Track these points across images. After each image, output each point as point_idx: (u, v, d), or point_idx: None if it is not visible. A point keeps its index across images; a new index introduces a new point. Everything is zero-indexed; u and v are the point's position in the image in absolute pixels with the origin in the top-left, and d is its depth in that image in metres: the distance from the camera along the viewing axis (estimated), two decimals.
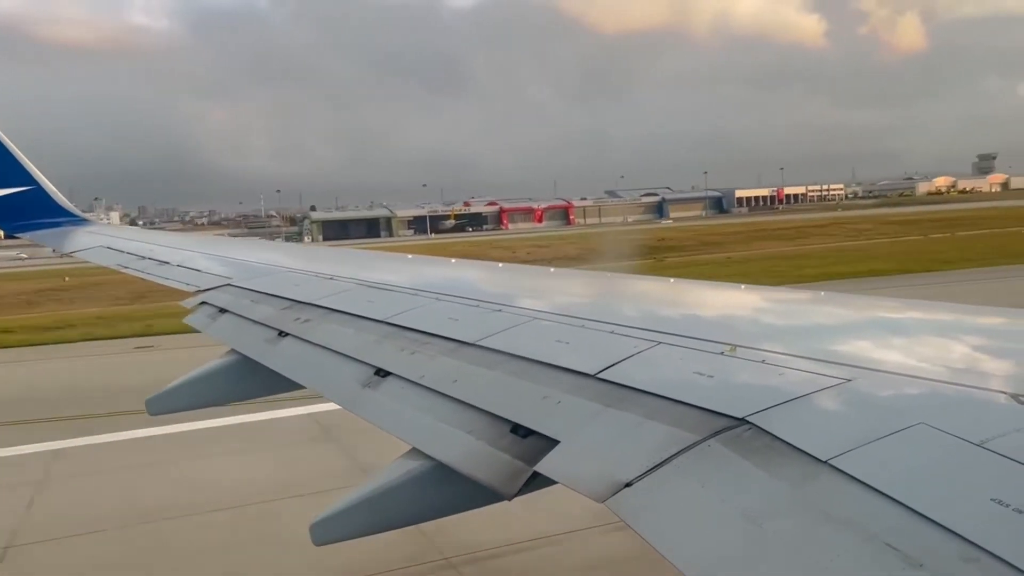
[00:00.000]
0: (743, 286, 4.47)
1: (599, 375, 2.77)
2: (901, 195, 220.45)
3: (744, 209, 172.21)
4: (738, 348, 2.74)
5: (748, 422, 2.17)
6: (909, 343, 2.83)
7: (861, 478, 1.79)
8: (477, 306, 4.16)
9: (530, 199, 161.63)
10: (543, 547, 9.24)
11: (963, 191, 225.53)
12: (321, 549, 3.13)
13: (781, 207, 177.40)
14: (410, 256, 7.52)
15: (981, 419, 1.95)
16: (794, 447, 2.00)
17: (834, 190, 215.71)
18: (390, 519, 3.00)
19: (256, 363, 4.63)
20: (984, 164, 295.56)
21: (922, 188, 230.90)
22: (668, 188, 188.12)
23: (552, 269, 6.43)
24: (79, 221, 11.96)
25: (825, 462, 1.89)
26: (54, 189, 11.98)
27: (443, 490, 2.89)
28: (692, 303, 4.18)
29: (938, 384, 2.22)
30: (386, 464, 3.07)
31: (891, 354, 2.59)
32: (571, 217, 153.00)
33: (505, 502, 2.63)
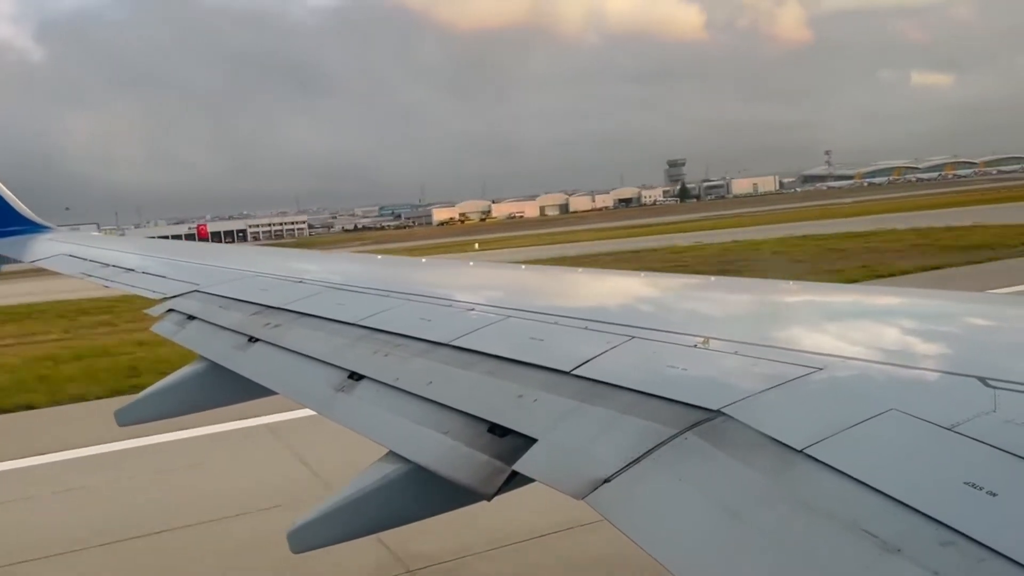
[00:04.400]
0: (714, 278, 4.51)
1: (574, 372, 2.78)
2: (413, 224, 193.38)
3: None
4: (711, 340, 2.76)
5: (723, 414, 2.19)
6: (879, 330, 2.88)
7: (836, 466, 1.81)
8: (450, 306, 4.14)
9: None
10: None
11: (484, 219, 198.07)
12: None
13: None
14: (379, 257, 7.47)
15: (951, 403, 1.98)
16: (769, 437, 2.02)
17: (298, 222, 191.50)
18: (369, 524, 2.98)
19: (227, 370, 4.57)
20: (674, 172, 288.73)
21: (437, 215, 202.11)
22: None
23: (523, 266, 6.43)
24: (40, 228, 11.71)
25: (800, 451, 1.91)
26: (12, 197, 11.71)
27: (422, 492, 2.88)
28: (665, 296, 4.20)
29: (908, 370, 2.25)
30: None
31: (861, 341, 2.63)
32: None
33: (484, 502, 2.62)
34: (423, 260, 7.20)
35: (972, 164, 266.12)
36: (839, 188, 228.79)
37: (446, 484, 2.70)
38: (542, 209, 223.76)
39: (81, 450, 13.91)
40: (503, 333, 3.45)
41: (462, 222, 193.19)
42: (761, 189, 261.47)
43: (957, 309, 3.17)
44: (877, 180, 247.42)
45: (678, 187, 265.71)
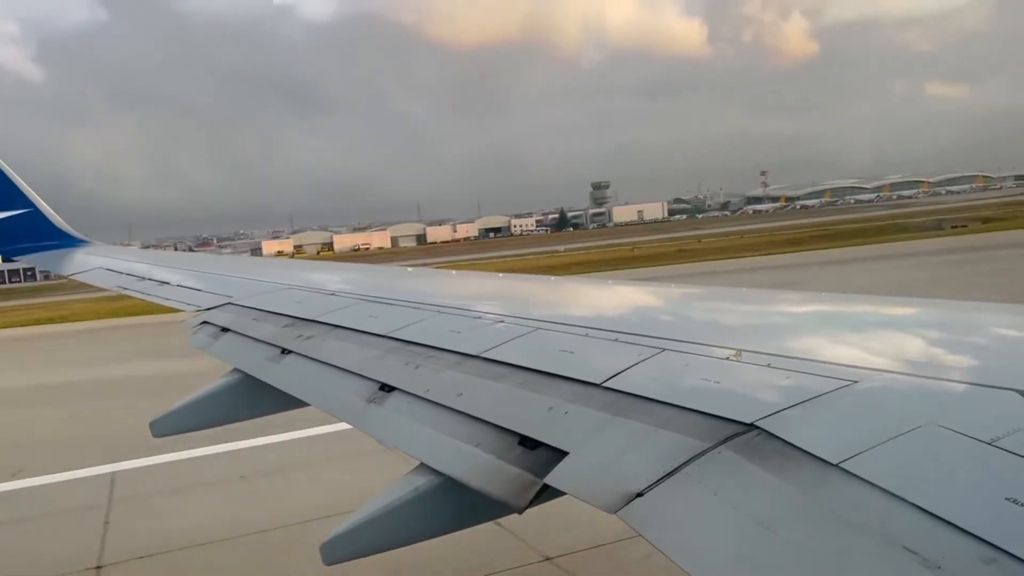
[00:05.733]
0: (745, 289, 4.47)
1: (605, 384, 2.77)
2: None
3: None
4: (743, 353, 2.73)
5: (757, 427, 2.17)
6: (914, 342, 2.83)
7: (873, 480, 1.79)
8: (480, 318, 4.15)
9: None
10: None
11: (320, 252, 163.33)
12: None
13: None
14: (410, 269, 7.51)
15: (991, 417, 1.94)
16: (804, 451, 1.99)
17: None
18: (400, 536, 2.99)
19: (260, 382, 4.62)
20: (598, 194, 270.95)
21: (267, 247, 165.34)
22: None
23: (552, 278, 6.43)
24: (78, 243, 11.97)
25: (836, 465, 1.89)
26: (52, 211, 12.00)
27: (453, 505, 2.88)
28: (695, 309, 4.17)
29: (945, 383, 2.22)
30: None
31: (897, 354, 2.58)
32: None
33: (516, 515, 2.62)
34: (453, 272, 7.23)
35: (918, 184, 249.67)
36: (765, 212, 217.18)
37: (477, 497, 2.70)
38: (394, 240, 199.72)
39: None
40: (533, 345, 3.45)
41: (292, 256, 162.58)
42: (647, 216, 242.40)
43: (995, 321, 3.10)
44: (811, 202, 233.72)
45: (557, 215, 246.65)
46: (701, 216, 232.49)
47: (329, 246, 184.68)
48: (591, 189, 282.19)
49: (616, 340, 3.20)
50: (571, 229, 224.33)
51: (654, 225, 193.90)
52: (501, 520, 2.84)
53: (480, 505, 2.76)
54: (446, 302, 4.67)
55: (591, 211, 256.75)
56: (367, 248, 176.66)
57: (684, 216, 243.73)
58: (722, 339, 2.94)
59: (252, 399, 4.87)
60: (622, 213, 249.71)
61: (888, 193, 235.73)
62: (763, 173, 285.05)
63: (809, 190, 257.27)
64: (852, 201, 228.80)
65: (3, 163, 11.61)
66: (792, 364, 2.53)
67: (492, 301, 4.89)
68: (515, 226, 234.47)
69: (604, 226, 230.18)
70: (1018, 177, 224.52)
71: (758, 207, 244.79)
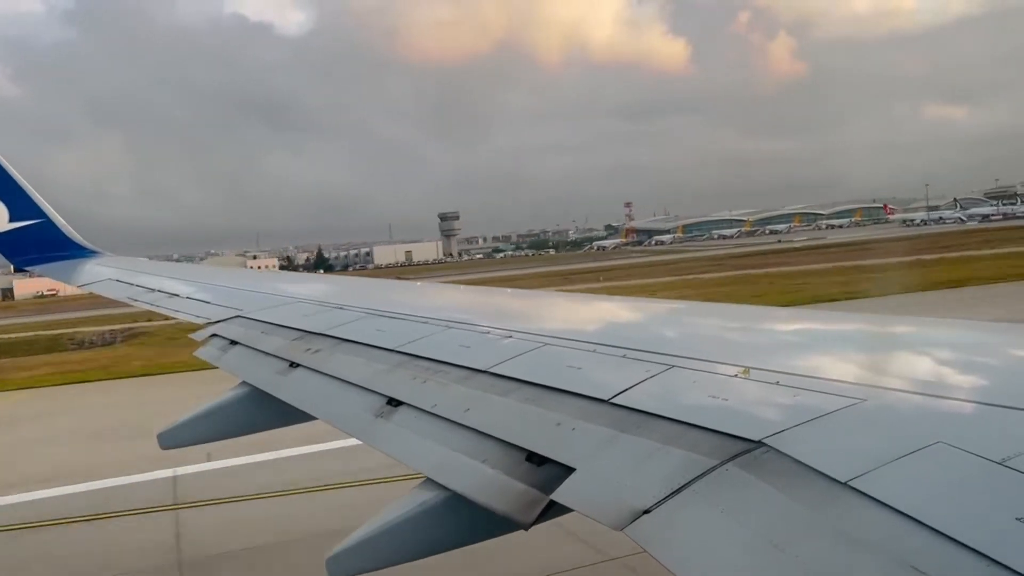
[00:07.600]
0: (753, 307, 4.47)
1: (612, 400, 2.77)
2: None
3: None
4: (751, 370, 2.73)
5: (765, 445, 2.16)
6: (923, 361, 2.82)
7: (882, 499, 1.78)
8: (488, 333, 4.16)
9: None
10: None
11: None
12: None
13: None
14: (418, 284, 7.53)
15: (1000, 436, 1.94)
16: (812, 469, 1.99)
17: None
18: (406, 551, 2.98)
19: (268, 395, 4.63)
20: (445, 226, 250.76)
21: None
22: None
23: (561, 294, 6.44)
24: (89, 254, 12.04)
25: (845, 484, 1.88)
26: (64, 222, 12.08)
27: (459, 520, 2.87)
28: (703, 326, 4.17)
29: (954, 402, 2.21)
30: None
31: (905, 372, 2.58)
32: None
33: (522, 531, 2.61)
34: (461, 287, 7.25)
35: (788, 218, 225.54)
36: (607, 250, 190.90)
37: (484, 512, 2.69)
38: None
39: None
40: (540, 361, 3.45)
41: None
42: (419, 257, 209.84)
43: (1004, 340, 3.09)
44: (665, 237, 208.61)
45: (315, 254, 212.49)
46: (502, 256, 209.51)
47: (9, 292, 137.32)
48: (439, 220, 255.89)
49: (624, 356, 3.20)
50: (322, 271, 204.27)
51: (417, 268, 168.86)
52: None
53: (487, 521, 2.75)
54: (454, 317, 4.68)
55: (364, 250, 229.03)
56: (54, 294, 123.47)
57: (481, 256, 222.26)
58: (730, 356, 2.94)
59: (260, 412, 4.88)
60: (383, 254, 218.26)
61: (750, 228, 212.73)
62: (627, 204, 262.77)
63: (672, 224, 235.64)
64: (716, 236, 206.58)
65: (16, 173, 11.71)
66: (800, 382, 2.53)
67: (500, 316, 4.89)
68: (253, 268, 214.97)
69: (365, 268, 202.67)
70: (931, 208, 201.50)
71: (602, 243, 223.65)
